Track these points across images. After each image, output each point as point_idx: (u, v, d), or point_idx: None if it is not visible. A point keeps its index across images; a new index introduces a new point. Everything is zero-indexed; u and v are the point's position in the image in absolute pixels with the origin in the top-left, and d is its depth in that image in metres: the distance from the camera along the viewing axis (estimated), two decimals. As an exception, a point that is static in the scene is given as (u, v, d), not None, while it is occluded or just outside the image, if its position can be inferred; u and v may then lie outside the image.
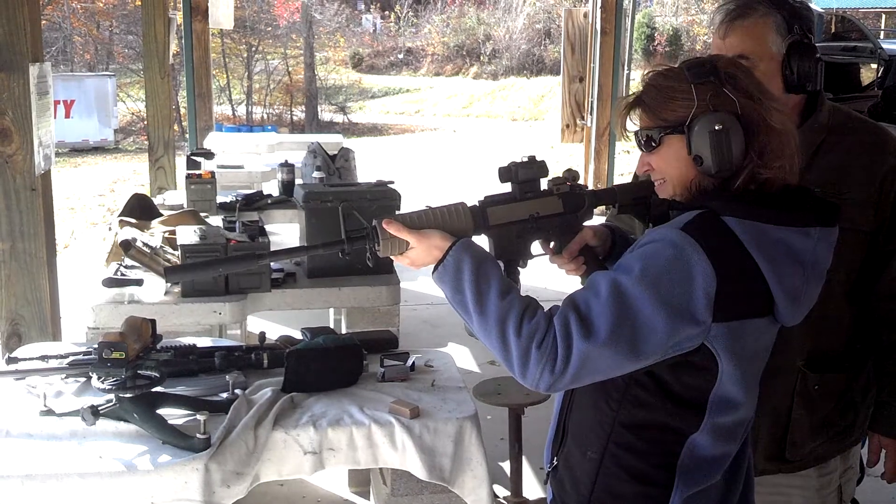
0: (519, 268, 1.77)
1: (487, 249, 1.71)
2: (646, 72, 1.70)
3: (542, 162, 1.76)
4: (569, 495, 1.75)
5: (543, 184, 1.77)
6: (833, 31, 14.28)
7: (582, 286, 1.63)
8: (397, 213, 1.71)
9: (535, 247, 1.79)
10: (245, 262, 1.82)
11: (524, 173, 1.74)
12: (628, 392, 1.60)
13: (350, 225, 1.70)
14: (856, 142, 2.07)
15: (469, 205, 1.73)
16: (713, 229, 1.53)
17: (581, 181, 1.82)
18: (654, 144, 1.64)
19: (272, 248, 3.31)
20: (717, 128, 1.54)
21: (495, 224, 1.73)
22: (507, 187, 1.77)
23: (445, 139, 18.74)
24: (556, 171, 1.81)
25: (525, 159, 1.75)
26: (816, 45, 2.03)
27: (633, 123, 1.69)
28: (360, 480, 3.72)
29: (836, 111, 2.11)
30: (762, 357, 1.66)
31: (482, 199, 1.75)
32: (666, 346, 1.50)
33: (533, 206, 1.74)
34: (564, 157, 13.33)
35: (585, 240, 1.77)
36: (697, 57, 1.69)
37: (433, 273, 1.62)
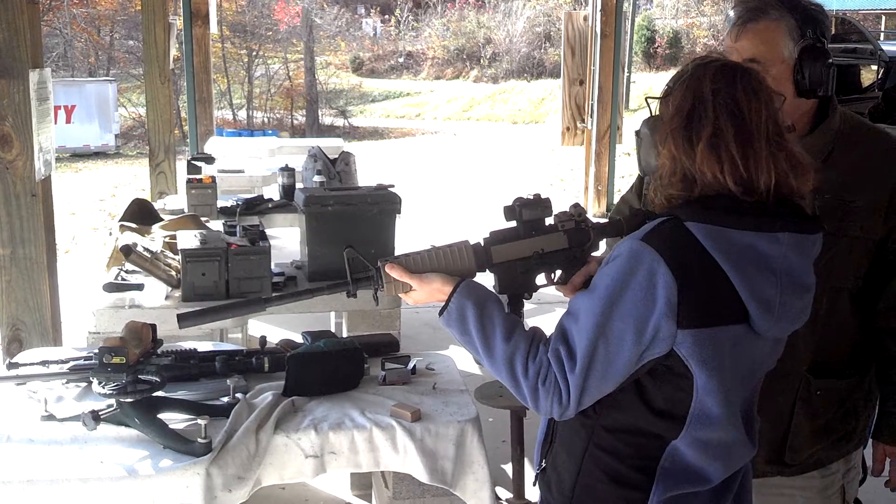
0: (524, 300, 1.80)
1: (492, 284, 1.75)
2: (694, 56, 1.72)
3: (547, 199, 1.79)
4: (553, 496, 1.77)
5: (550, 219, 1.79)
6: (833, 32, 14.29)
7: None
8: (400, 254, 1.76)
9: (541, 278, 1.82)
10: (253, 307, 1.90)
11: (528, 213, 1.77)
12: (609, 396, 1.61)
13: (355, 267, 1.76)
14: (866, 149, 2.06)
15: (472, 243, 1.76)
16: (673, 236, 1.55)
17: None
18: None
19: (272, 253, 3.33)
20: (636, 130, 1.63)
21: (499, 262, 1.76)
22: (512, 223, 1.80)
23: (446, 143, 18.75)
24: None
25: (530, 198, 1.77)
26: (829, 49, 2.03)
27: None
28: (362, 484, 3.72)
29: (848, 117, 2.10)
30: (748, 371, 1.64)
31: (486, 236, 1.78)
32: (638, 354, 1.54)
33: (538, 244, 1.76)
34: (565, 159, 13.35)
35: (591, 272, 1.79)
36: (712, 58, 1.66)
37: (440, 317, 1.68)
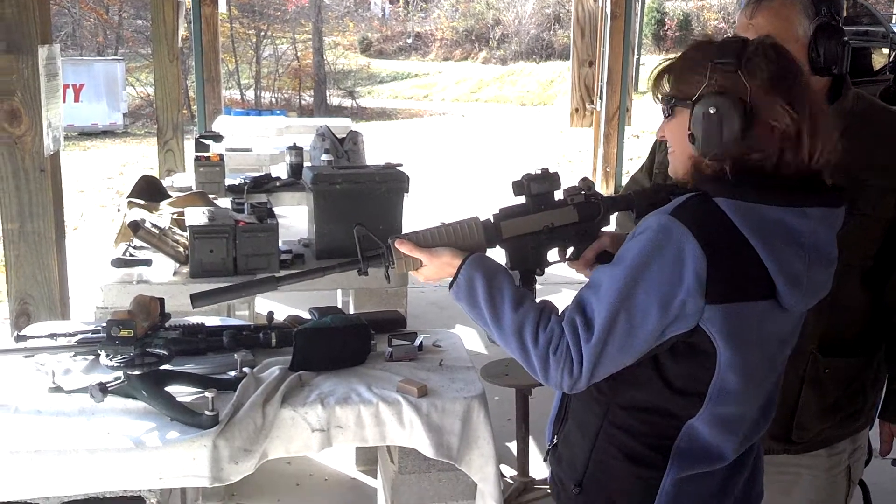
0: (536, 276, 1.79)
1: (504, 260, 1.74)
2: (693, 39, 1.71)
3: (555, 174, 1.78)
4: (565, 472, 1.76)
5: (559, 193, 1.78)
6: (845, 15, 14.17)
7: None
8: (410, 231, 1.76)
9: (553, 254, 1.81)
10: (266, 285, 1.90)
11: (537, 187, 1.76)
12: (626, 373, 1.60)
13: (365, 245, 1.76)
14: (880, 129, 2.06)
15: (482, 219, 1.76)
16: (703, 211, 1.53)
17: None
18: (668, 113, 1.65)
19: (280, 231, 3.33)
20: (711, 111, 1.53)
21: (509, 237, 1.75)
22: (521, 199, 1.79)
23: (454, 124, 18.71)
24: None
25: (538, 172, 1.77)
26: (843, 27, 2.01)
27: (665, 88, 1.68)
28: (368, 459, 3.74)
29: (861, 97, 2.09)
30: (771, 346, 1.63)
31: (496, 212, 1.78)
32: (661, 329, 1.51)
33: (547, 218, 1.76)
34: (573, 141, 13.31)
35: (603, 246, 1.79)
36: (736, 36, 1.67)
37: (449, 290, 1.67)
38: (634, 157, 10.89)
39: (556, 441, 1.82)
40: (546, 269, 1.80)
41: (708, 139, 1.54)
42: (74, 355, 2.38)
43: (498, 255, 1.74)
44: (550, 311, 1.59)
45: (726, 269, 1.50)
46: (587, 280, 1.70)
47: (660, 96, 1.67)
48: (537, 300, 1.65)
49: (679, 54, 1.67)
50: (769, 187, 1.54)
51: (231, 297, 1.88)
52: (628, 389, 1.62)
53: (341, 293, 4.85)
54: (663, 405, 1.61)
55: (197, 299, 1.80)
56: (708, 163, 1.58)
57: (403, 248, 1.72)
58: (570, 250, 1.79)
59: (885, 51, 12.73)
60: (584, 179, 1.80)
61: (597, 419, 1.68)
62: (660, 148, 2.33)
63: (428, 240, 1.72)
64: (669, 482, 1.62)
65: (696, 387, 1.58)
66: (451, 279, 1.67)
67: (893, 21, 16.70)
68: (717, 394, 1.58)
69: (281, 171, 5.26)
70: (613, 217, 1.87)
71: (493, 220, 1.76)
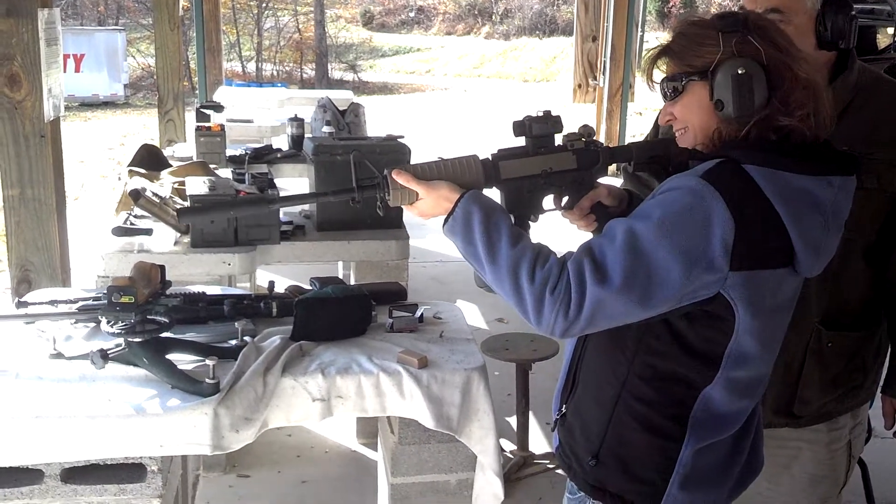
0: (530, 222, 1.76)
1: (498, 202, 1.70)
2: (678, 21, 1.69)
3: (558, 117, 1.74)
4: (578, 443, 1.75)
5: (558, 139, 1.75)
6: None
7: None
8: (408, 163, 1.71)
9: (548, 201, 1.78)
10: (256, 205, 1.84)
11: (538, 128, 1.72)
12: (643, 342, 1.60)
13: (361, 174, 1.71)
14: (885, 102, 2.05)
15: (481, 158, 1.72)
16: (734, 177, 1.52)
17: (595, 137, 1.80)
18: (678, 91, 1.63)
19: (282, 199, 3.31)
20: (739, 72, 1.53)
21: (507, 178, 1.71)
22: (520, 141, 1.76)
23: (456, 99, 18.64)
24: (567, 130, 1.80)
25: (540, 114, 1.73)
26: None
27: (660, 72, 1.68)
28: (368, 433, 3.75)
29: (866, 71, 2.08)
30: (785, 310, 1.64)
31: (495, 152, 1.74)
32: (681, 293, 1.49)
33: (546, 162, 1.72)
34: (576, 117, 13.27)
35: (599, 197, 1.76)
36: (729, 10, 1.67)
37: (444, 226, 1.63)
38: (637, 134, 10.84)
39: (564, 411, 1.81)
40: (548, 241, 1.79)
41: (741, 100, 1.53)
42: (75, 322, 2.37)
43: (492, 196, 1.70)
44: (549, 252, 1.56)
45: (753, 237, 1.50)
46: (579, 230, 1.69)
47: (660, 80, 1.66)
48: None
49: (670, 37, 1.66)
50: (798, 156, 1.54)
51: (221, 214, 1.79)
52: (648, 357, 1.61)
53: (342, 265, 4.84)
54: (681, 372, 1.60)
55: (184, 214, 1.76)
56: (732, 128, 1.57)
57: (401, 178, 1.66)
58: (566, 199, 1.77)
59: (890, 30, 12.64)
60: (585, 126, 1.77)
61: (613, 390, 1.66)
62: None
63: (426, 172, 1.67)
64: (688, 453, 1.62)
65: (714, 349, 1.58)
66: (445, 216, 1.63)
67: (899, 0, 16.58)
68: (733, 357, 1.59)
69: (282, 142, 5.24)
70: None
71: (491, 160, 1.72)
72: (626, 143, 1.78)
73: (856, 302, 2.10)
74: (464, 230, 1.59)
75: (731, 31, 1.56)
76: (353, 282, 3.72)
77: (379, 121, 9.77)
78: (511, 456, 3.67)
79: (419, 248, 5.87)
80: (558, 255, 1.56)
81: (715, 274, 1.49)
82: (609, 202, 1.77)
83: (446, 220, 1.62)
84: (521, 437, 3.69)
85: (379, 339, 2.40)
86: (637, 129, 11.14)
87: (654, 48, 1.68)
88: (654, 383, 1.63)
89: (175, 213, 3.30)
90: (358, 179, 1.70)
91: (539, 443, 3.81)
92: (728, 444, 1.69)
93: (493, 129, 13.17)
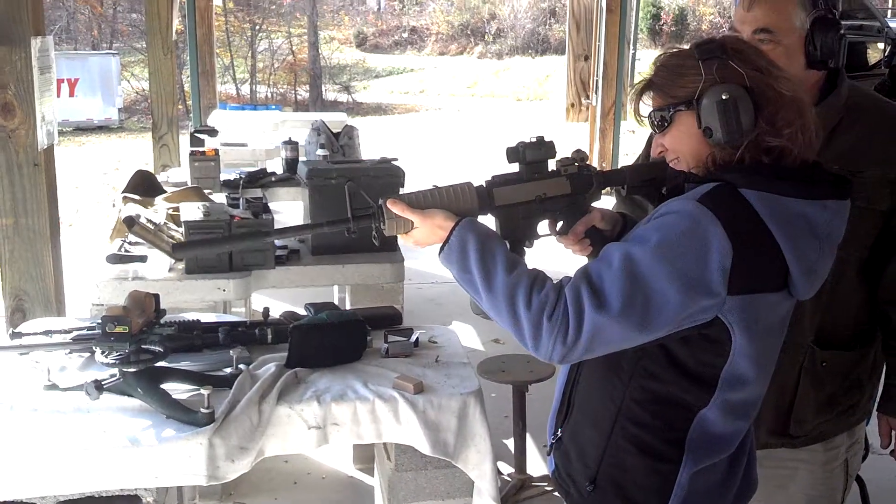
0: (525, 248, 1.76)
1: (493, 229, 1.70)
2: (658, 56, 1.71)
3: (551, 143, 1.75)
4: (574, 468, 1.75)
5: (551, 164, 1.76)
6: (840, 9, 14.15)
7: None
8: (403, 192, 1.72)
9: (542, 227, 1.78)
10: (251, 238, 1.84)
11: (532, 154, 1.73)
12: (639, 365, 1.60)
13: (356, 203, 1.71)
14: (874, 121, 2.06)
15: (475, 185, 1.72)
16: (730, 202, 1.53)
17: (588, 161, 1.81)
18: (666, 123, 1.64)
19: (276, 226, 3.31)
20: (724, 97, 1.55)
21: (501, 204, 1.72)
22: (514, 167, 1.76)
23: (450, 119, 18.67)
24: (560, 150, 1.81)
25: (533, 140, 1.74)
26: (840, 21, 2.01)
27: (646, 105, 1.69)
28: (365, 457, 3.73)
29: (855, 90, 2.09)
30: (778, 332, 1.65)
31: (489, 178, 1.74)
32: (679, 318, 1.50)
33: (540, 188, 1.73)
34: (569, 136, 13.30)
35: (593, 221, 1.77)
36: (705, 37, 1.69)
37: (439, 254, 1.63)
38: (630, 153, 10.87)
39: (559, 435, 1.80)
40: (544, 265, 1.78)
41: (728, 125, 1.55)
42: (70, 352, 2.37)
43: (487, 223, 1.70)
44: (546, 278, 1.55)
45: (750, 261, 1.51)
46: (574, 255, 1.69)
47: (648, 115, 1.68)
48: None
49: (651, 71, 1.68)
50: (793, 179, 1.56)
51: (215, 249, 1.78)
52: (644, 381, 1.62)
53: (338, 289, 4.84)
54: (677, 394, 1.60)
55: (178, 249, 1.75)
56: (725, 152, 1.58)
57: (395, 207, 1.66)
58: (560, 224, 1.77)
59: (881, 45, 12.72)
60: (578, 151, 1.78)
61: (610, 413, 1.66)
62: None
63: (420, 201, 1.68)
64: (686, 475, 1.63)
65: (710, 371, 1.59)
66: (440, 244, 1.63)
67: (888, 16, 16.71)
68: (728, 379, 1.59)
69: (276, 165, 5.25)
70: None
71: (485, 186, 1.72)
72: (619, 167, 1.78)
73: (849, 321, 2.10)
74: (459, 258, 1.59)
75: (711, 58, 1.58)
76: (348, 305, 3.72)
77: (373, 142, 9.80)
78: (509, 479, 3.65)
79: (415, 270, 5.86)
80: (554, 281, 1.56)
81: (713, 298, 1.50)
82: (603, 226, 1.78)
83: (442, 249, 1.62)
84: (519, 459, 3.68)
85: (374, 364, 2.40)
86: (630, 147, 11.16)
87: (638, 83, 1.71)
88: (651, 406, 1.63)
89: (169, 240, 3.30)
90: (353, 209, 1.70)
91: (537, 465, 3.80)
92: (724, 466, 1.69)
93: (488, 149, 13.21)
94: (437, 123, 17.84)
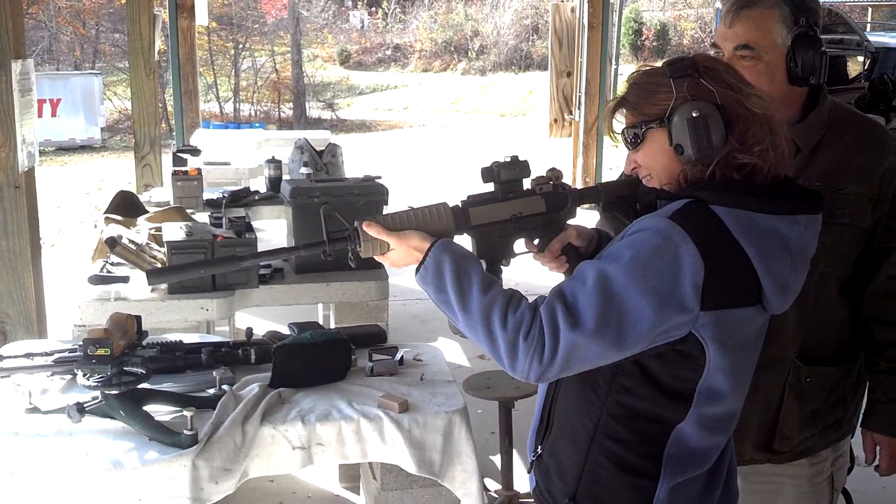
0: (502, 266, 1.77)
1: (470, 249, 1.71)
2: (631, 73, 1.72)
3: (525, 162, 1.76)
4: (554, 485, 1.75)
5: (527, 183, 1.77)
6: (821, 26, 14.26)
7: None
8: (379, 214, 1.72)
9: (519, 245, 1.79)
10: (227, 264, 1.82)
11: (506, 174, 1.74)
12: (615, 381, 1.61)
13: (332, 226, 1.71)
14: (856, 138, 2.07)
15: (451, 205, 1.73)
16: (702, 218, 1.54)
17: (568, 177, 1.82)
18: (638, 140, 1.66)
19: (259, 245, 3.30)
20: (694, 115, 1.56)
21: (477, 224, 1.73)
22: (489, 187, 1.77)
23: (434, 135, 18.71)
24: (544, 164, 1.81)
25: (507, 159, 1.75)
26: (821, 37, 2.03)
27: (619, 123, 1.71)
28: (351, 476, 3.71)
29: (837, 107, 2.11)
30: (753, 346, 1.66)
31: (464, 199, 1.75)
32: (653, 334, 1.51)
33: (515, 207, 1.74)
34: (553, 151, 13.35)
35: (568, 239, 1.78)
36: (678, 56, 1.71)
37: (416, 275, 1.63)
38: (613, 167, 10.92)
39: (539, 452, 1.80)
40: (522, 279, 1.78)
41: (698, 142, 1.56)
42: (51, 375, 2.35)
43: (464, 242, 1.71)
44: (521, 297, 1.56)
45: (722, 277, 1.52)
46: (551, 272, 1.70)
47: (620, 131, 1.69)
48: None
49: (623, 90, 1.70)
50: (764, 195, 1.57)
51: (190, 274, 1.78)
52: (620, 397, 1.62)
53: (322, 307, 4.82)
54: (654, 410, 1.61)
55: (153, 276, 1.74)
56: (696, 169, 1.59)
57: (371, 230, 1.66)
58: (537, 242, 1.78)
59: (860, 59, 12.84)
60: (552, 169, 1.79)
61: (587, 430, 1.67)
62: None
63: (396, 223, 1.68)
64: (664, 490, 1.63)
65: (685, 386, 1.59)
66: (416, 265, 1.63)
67: (868, 29, 16.89)
68: (703, 394, 1.60)
69: (260, 184, 5.24)
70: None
71: (461, 207, 1.73)
72: (593, 185, 1.79)
73: (833, 337, 2.11)
74: (435, 279, 1.59)
75: (682, 75, 1.60)
76: (333, 323, 3.71)
77: (357, 159, 9.80)
78: (496, 496, 3.64)
79: (399, 287, 5.85)
80: (530, 300, 1.56)
81: (686, 314, 1.51)
82: (579, 243, 1.79)
83: (418, 270, 1.63)
84: (506, 476, 3.66)
85: (359, 383, 2.39)
86: (614, 161, 11.22)
87: (611, 101, 1.72)
88: (628, 422, 1.63)
89: (151, 260, 3.29)
90: (329, 232, 1.70)
91: (524, 481, 3.78)
92: (703, 481, 1.69)
93: (472, 165, 13.24)
94: (422, 140, 17.88)
